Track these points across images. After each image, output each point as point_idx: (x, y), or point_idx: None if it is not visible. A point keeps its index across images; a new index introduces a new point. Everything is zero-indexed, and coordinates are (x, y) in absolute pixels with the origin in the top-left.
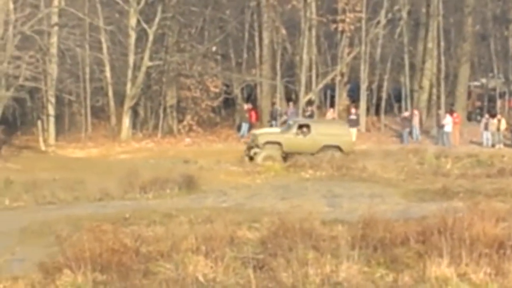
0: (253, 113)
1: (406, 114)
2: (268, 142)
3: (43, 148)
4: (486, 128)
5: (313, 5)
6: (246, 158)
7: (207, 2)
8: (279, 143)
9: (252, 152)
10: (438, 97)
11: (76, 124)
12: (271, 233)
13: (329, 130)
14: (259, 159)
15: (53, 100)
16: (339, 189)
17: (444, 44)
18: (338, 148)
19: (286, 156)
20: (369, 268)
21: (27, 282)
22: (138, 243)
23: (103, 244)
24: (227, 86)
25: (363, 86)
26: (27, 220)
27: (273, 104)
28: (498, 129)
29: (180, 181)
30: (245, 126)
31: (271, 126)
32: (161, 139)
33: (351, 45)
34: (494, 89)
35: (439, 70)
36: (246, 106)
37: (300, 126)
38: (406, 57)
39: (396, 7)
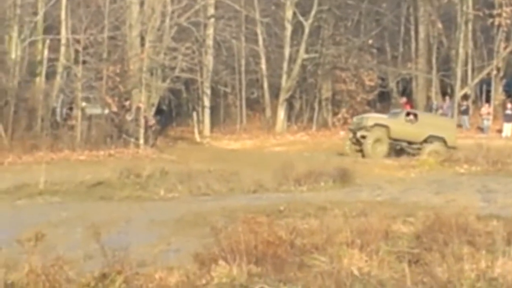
0: (408, 107)
1: None
2: (376, 125)
3: (198, 139)
4: None
5: None
6: (348, 145)
7: None
8: (387, 127)
9: (359, 134)
10: None
11: (231, 115)
12: (426, 227)
13: (436, 121)
14: (369, 142)
15: (208, 91)
16: (494, 184)
17: None
18: (443, 140)
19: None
20: None
21: (182, 273)
22: (293, 236)
23: (258, 236)
24: (383, 79)
25: None
26: (182, 211)
27: (428, 98)
28: None
29: (334, 174)
30: None
31: None
32: (316, 131)
33: (507, 39)
34: None
35: None
36: (403, 100)
37: (408, 114)
38: None
39: None
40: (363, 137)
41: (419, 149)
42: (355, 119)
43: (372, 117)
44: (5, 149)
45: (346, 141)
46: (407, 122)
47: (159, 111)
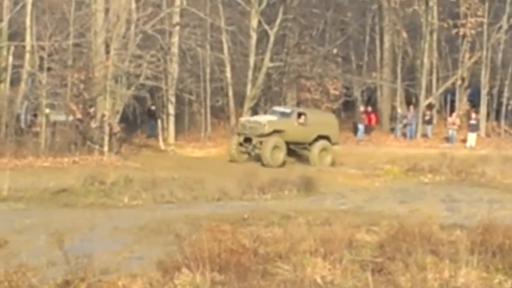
0: (372, 116)
1: None
2: (275, 130)
3: (162, 147)
4: None
5: (435, 9)
6: (235, 149)
7: (328, 4)
8: (283, 131)
9: (256, 140)
10: None
11: (196, 123)
12: (390, 236)
13: (321, 119)
14: (267, 149)
15: (173, 99)
16: (458, 194)
17: None
18: (328, 138)
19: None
20: (488, 274)
21: (145, 281)
22: (257, 244)
23: (221, 244)
24: (347, 88)
25: (484, 91)
26: (145, 219)
27: (393, 107)
28: None
29: (298, 183)
30: (360, 128)
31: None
32: None
33: (472, 49)
34: None
35: None
36: (362, 108)
37: (299, 114)
38: None
39: None
40: (261, 143)
41: (305, 148)
42: (242, 122)
43: (269, 122)
44: None
45: (233, 145)
46: (300, 125)
47: (123, 119)
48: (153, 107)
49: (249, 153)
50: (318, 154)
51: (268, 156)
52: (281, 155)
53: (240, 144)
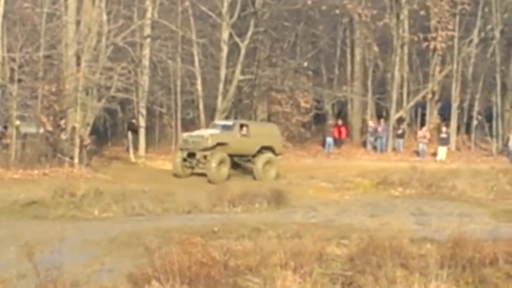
0: (343, 129)
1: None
2: (218, 144)
3: (133, 159)
4: None
5: (406, 22)
6: (179, 165)
7: (299, 17)
8: (227, 144)
9: (200, 155)
10: None
11: (167, 136)
12: (360, 250)
13: (264, 130)
14: (213, 164)
15: (144, 111)
16: (428, 208)
17: None
18: (272, 149)
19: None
20: (458, 287)
21: None
22: (227, 257)
23: (191, 257)
24: (318, 101)
25: (454, 105)
26: (116, 231)
27: (363, 120)
28: None
29: (269, 196)
30: (329, 141)
31: None
32: None
33: (443, 63)
34: None
35: None
36: (331, 121)
37: (241, 126)
38: (498, 76)
39: (489, 26)
40: (205, 157)
41: (249, 161)
42: (185, 137)
43: (212, 136)
44: None
45: (177, 161)
46: (243, 136)
47: (94, 131)
48: (133, 120)
49: (193, 168)
50: (262, 167)
51: (214, 172)
52: (225, 169)
53: (184, 160)
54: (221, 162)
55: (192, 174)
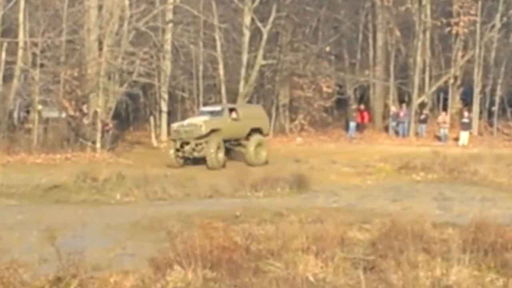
0: (365, 114)
1: None
2: (212, 130)
3: (155, 144)
4: None
5: (428, 7)
6: (173, 155)
7: (321, 2)
8: (220, 130)
9: (194, 143)
10: None
11: None
12: (382, 234)
13: (251, 112)
14: (212, 151)
15: (166, 96)
16: (450, 192)
17: None
18: (260, 130)
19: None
20: (480, 272)
21: (137, 277)
22: (249, 241)
23: (213, 241)
24: (340, 86)
25: (476, 90)
26: (138, 215)
27: (385, 105)
28: None
29: (291, 180)
30: (352, 125)
31: None
32: (273, 138)
33: (465, 48)
34: None
35: None
36: (354, 106)
37: (230, 110)
38: None
39: (511, 11)
40: (199, 145)
41: (239, 145)
42: (175, 128)
43: (205, 123)
44: None
45: (170, 152)
46: (234, 121)
47: (116, 116)
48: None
49: (187, 158)
50: (254, 150)
51: (213, 158)
52: (222, 154)
53: (177, 150)
54: (218, 148)
55: (185, 164)
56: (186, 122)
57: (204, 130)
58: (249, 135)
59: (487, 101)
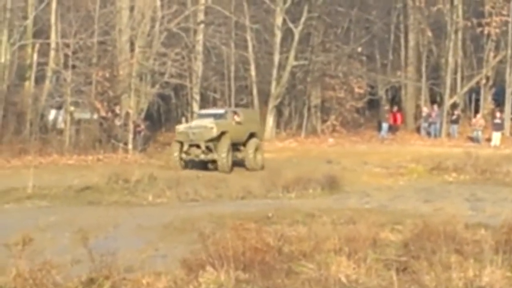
0: (398, 116)
1: None
2: (222, 133)
3: None
4: None
5: (460, 8)
6: (177, 157)
7: (353, 3)
8: (228, 132)
9: (204, 146)
10: None
11: None
12: (414, 235)
13: (249, 116)
14: (223, 154)
15: (197, 97)
16: (482, 193)
17: None
18: (256, 134)
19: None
20: None
21: (169, 278)
22: (281, 243)
23: (246, 243)
24: (372, 87)
25: (509, 90)
26: (169, 217)
27: (417, 106)
28: None
29: (322, 181)
30: (384, 126)
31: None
32: (305, 138)
33: (497, 48)
34: None
35: None
36: (387, 107)
37: (234, 113)
38: None
39: None
40: (208, 147)
41: (237, 149)
42: (182, 130)
43: (216, 125)
44: None
45: (174, 154)
46: (237, 124)
47: (148, 117)
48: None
49: (186, 161)
50: (253, 153)
51: (224, 161)
52: (230, 157)
53: (185, 153)
54: (228, 150)
55: (186, 167)
56: (194, 124)
57: (215, 132)
58: (247, 140)
59: None
